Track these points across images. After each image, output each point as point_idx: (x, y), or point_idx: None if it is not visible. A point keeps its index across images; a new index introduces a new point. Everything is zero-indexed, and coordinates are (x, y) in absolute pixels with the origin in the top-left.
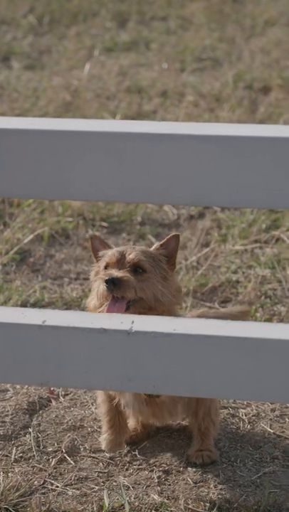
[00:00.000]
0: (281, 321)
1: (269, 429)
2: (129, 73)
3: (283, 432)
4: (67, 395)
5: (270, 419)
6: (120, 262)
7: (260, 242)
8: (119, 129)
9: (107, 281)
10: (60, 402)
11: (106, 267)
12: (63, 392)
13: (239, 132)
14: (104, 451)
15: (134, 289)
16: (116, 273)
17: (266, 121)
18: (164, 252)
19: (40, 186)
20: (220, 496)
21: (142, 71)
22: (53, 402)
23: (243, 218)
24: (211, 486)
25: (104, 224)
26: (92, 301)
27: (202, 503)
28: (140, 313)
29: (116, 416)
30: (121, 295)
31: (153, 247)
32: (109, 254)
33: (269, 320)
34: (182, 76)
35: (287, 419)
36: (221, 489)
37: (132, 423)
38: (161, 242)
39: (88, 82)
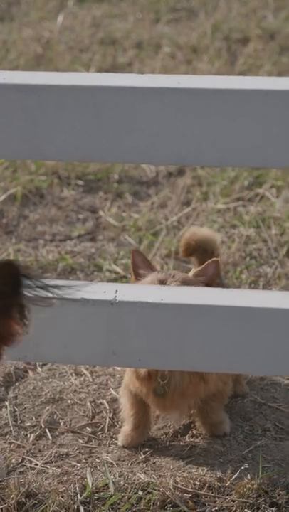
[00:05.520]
0: (267, 282)
1: (259, 399)
2: (102, 24)
3: (274, 402)
4: (45, 365)
5: (261, 389)
6: None
7: (243, 200)
8: (97, 83)
9: None
10: (38, 373)
11: None
12: (41, 363)
13: (227, 85)
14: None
15: None
16: None
17: (246, 73)
18: (203, 279)
19: (11, 146)
20: (210, 474)
21: (116, 22)
22: (30, 373)
23: (224, 175)
24: (201, 461)
25: (80, 182)
26: None
27: (192, 481)
28: None
29: (141, 410)
30: None
31: (191, 273)
32: (149, 283)
33: (255, 282)
34: (157, 27)
35: (278, 388)
36: (211, 465)
37: None
38: (200, 268)
39: (60, 34)
